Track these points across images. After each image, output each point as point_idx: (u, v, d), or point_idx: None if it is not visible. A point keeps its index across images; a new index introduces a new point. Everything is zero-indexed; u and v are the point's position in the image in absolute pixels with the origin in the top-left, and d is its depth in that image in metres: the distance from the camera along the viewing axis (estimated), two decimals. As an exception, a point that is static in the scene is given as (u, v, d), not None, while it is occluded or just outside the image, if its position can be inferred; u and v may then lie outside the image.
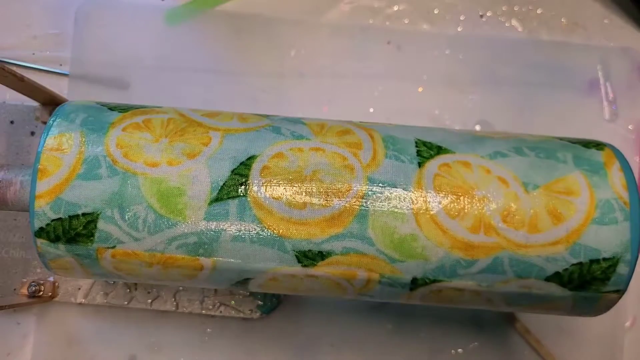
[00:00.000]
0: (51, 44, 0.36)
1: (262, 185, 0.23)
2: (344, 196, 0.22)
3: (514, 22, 0.36)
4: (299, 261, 0.23)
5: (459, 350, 0.33)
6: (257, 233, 0.22)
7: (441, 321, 0.33)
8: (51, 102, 0.33)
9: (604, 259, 0.22)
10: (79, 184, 0.23)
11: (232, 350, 0.33)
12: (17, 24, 0.36)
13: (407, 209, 0.22)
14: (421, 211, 0.22)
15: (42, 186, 0.23)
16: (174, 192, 0.23)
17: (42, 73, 0.35)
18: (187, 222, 0.22)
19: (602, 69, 0.35)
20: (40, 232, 0.23)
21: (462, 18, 0.36)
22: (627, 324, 0.33)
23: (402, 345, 0.33)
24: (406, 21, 0.36)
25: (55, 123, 0.24)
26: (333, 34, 0.36)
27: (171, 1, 0.36)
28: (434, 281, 0.23)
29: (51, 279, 0.32)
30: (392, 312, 0.33)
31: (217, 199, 0.22)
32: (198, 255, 0.23)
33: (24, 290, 0.32)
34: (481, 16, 0.36)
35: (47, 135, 0.24)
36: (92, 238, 0.23)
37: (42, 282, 0.32)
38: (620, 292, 0.22)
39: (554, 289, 0.23)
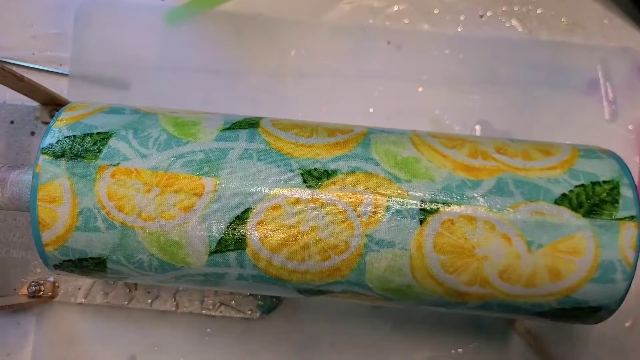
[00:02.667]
0: (51, 44, 0.36)
1: (272, 125, 0.25)
2: (348, 132, 0.25)
3: (514, 22, 0.36)
4: (305, 181, 0.23)
5: (459, 350, 0.33)
6: (265, 151, 0.24)
7: (441, 321, 0.33)
8: (51, 102, 0.33)
9: (604, 182, 0.23)
10: (102, 115, 0.25)
11: (232, 350, 0.33)
12: (17, 24, 0.36)
13: (407, 141, 0.25)
14: (420, 143, 0.25)
15: (66, 114, 0.25)
16: (188, 123, 0.25)
17: (42, 73, 0.35)
18: (198, 142, 0.24)
19: (602, 69, 0.35)
20: (48, 148, 0.24)
21: (462, 18, 0.36)
22: (627, 324, 0.33)
23: (402, 345, 0.33)
24: (406, 21, 0.36)
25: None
26: (333, 34, 0.36)
27: (171, 1, 0.36)
28: (444, 204, 0.23)
29: (51, 279, 0.32)
30: (392, 312, 0.33)
31: (229, 129, 0.25)
32: (202, 174, 0.23)
33: (24, 290, 0.32)
34: (481, 16, 0.36)
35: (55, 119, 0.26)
36: (98, 154, 0.24)
37: (42, 282, 0.32)
38: (637, 220, 0.22)
39: (567, 216, 0.22)
